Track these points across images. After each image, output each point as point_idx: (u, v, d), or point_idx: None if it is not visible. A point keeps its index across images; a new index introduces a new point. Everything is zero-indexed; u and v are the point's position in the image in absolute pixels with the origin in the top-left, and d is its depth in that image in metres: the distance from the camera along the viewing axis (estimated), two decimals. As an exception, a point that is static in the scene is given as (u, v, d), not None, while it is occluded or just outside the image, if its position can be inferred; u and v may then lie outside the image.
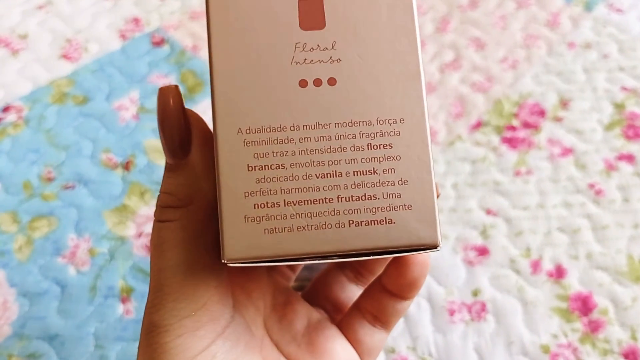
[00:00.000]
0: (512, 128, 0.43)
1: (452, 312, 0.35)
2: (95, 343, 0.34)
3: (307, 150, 0.17)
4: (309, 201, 0.17)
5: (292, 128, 0.17)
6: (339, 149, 0.17)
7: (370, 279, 0.25)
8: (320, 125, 0.17)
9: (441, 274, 0.37)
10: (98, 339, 0.34)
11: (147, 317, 0.18)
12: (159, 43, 0.48)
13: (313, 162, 0.17)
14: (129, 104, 0.44)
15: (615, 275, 0.37)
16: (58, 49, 0.47)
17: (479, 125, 0.44)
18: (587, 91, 0.45)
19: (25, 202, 0.39)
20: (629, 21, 0.50)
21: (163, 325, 0.17)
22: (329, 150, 0.17)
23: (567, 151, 0.42)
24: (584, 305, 0.36)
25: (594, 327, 0.35)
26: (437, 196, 0.24)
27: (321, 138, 0.17)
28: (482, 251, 0.38)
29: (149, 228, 0.38)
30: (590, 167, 0.41)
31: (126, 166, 0.41)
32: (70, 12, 0.50)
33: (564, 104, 0.45)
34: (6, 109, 0.44)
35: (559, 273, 0.37)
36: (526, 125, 0.44)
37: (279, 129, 0.17)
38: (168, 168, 0.18)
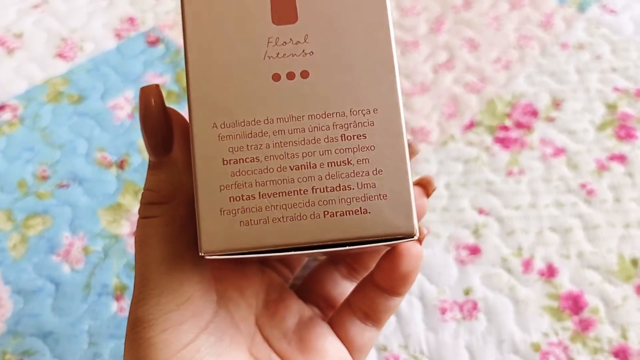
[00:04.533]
0: (505, 128, 0.44)
1: (443, 311, 0.35)
2: (89, 340, 0.34)
3: (281, 142, 0.17)
4: (284, 193, 0.17)
5: (265, 121, 0.17)
6: (313, 141, 0.17)
7: (364, 275, 0.25)
8: (293, 118, 0.17)
9: (433, 273, 0.37)
10: (92, 336, 0.34)
11: (132, 312, 0.18)
12: (154, 42, 0.48)
13: (287, 154, 0.17)
14: (124, 103, 0.44)
15: (606, 275, 0.37)
16: (53, 48, 0.48)
17: (471, 125, 0.44)
18: (580, 92, 0.46)
19: (20, 201, 0.39)
20: (621, 22, 0.50)
21: (147, 319, 0.18)
22: (302, 142, 0.17)
23: (559, 151, 0.42)
24: (575, 304, 0.36)
25: (585, 325, 0.35)
26: (430, 192, 0.24)
27: (295, 130, 0.17)
28: (474, 250, 0.38)
29: (143, 226, 0.38)
30: (582, 167, 0.42)
31: (121, 165, 0.41)
32: (66, 11, 0.50)
33: (557, 104, 0.45)
34: (1, 108, 0.44)
35: (550, 272, 0.37)
36: (519, 125, 0.44)
37: (253, 122, 0.17)
38: (151, 166, 0.19)
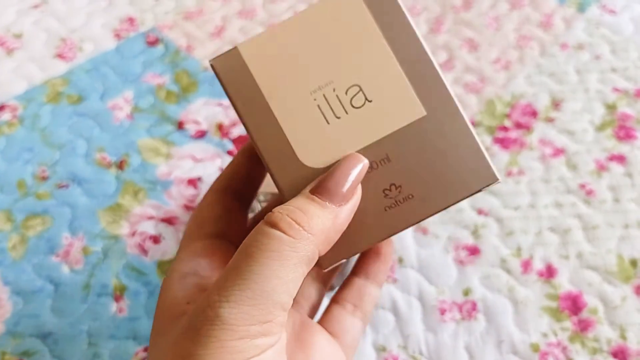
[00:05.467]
0: (505, 128, 0.44)
1: (443, 311, 0.35)
2: (88, 341, 0.34)
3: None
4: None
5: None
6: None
7: (331, 276, 0.27)
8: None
9: (432, 274, 0.37)
10: (91, 337, 0.34)
11: (214, 309, 0.18)
12: (153, 43, 0.48)
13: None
14: (123, 104, 0.44)
15: (605, 275, 0.37)
16: (53, 48, 0.48)
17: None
18: (579, 92, 0.46)
19: (20, 201, 0.39)
20: (621, 22, 0.50)
21: (230, 322, 0.18)
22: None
23: (558, 152, 0.42)
24: (574, 304, 0.36)
25: (584, 326, 0.35)
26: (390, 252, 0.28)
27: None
28: (473, 251, 0.38)
29: (142, 227, 0.38)
30: (582, 168, 0.41)
31: (120, 165, 0.41)
32: (65, 11, 0.50)
33: (556, 104, 0.45)
34: (1, 108, 0.44)
35: (549, 272, 0.37)
36: (518, 125, 0.44)
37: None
38: (317, 200, 0.20)
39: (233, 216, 0.24)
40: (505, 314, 0.35)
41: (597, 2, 0.51)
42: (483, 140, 0.43)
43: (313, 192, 0.20)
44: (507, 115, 0.44)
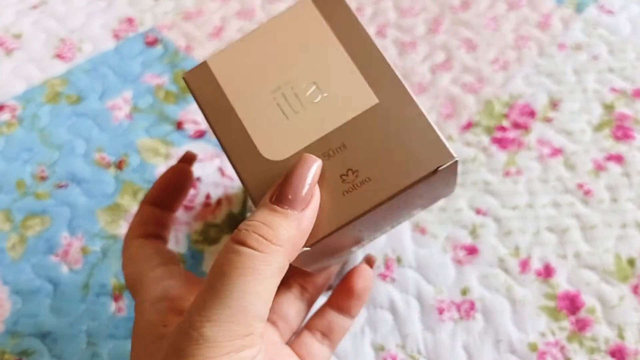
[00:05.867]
0: (503, 128, 0.44)
1: (441, 311, 0.36)
2: (87, 341, 0.34)
3: None
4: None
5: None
6: None
7: (315, 294, 0.28)
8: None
9: (430, 273, 0.37)
10: (90, 336, 0.34)
11: (197, 330, 0.19)
12: (152, 43, 0.48)
13: None
14: (122, 104, 0.44)
15: (602, 275, 0.37)
16: (52, 48, 0.48)
17: (469, 125, 0.44)
18: (577, 92, 0.46)
19: (19, 201, 0.40)
20: (619, 22, 0.50)
21: (215, 340, 0.19)
22: None
23: (556, 151, 0.42)
24: (572, 304, 0.36)
25: (582, 325, 0.35)
26: (372, 265, 0.29)
27: None
28: (472, 250, 0.38)
29: (141, 227, 0.39)
30: (579, 168, 0.42)
31: (119, 165, 0.41)
32: (64, 11, 0.50)
33: (554, 104, 0.45)
34: (0, 108, 0.44)
35: (547, 272, 0.37)
36: (516, 125, 0.44)
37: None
38: (277, 209, 0.21)
39: (165, 252, 0.26)
40: (503, 314, 0.35)
41: (594, 3, 0.52)
42: (481, 140, 0.43)
43: (274, 201, 0.21)
44: (505, 116, 0.44)
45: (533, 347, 0.34)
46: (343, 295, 0.27)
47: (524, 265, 0.37)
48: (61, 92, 0.45)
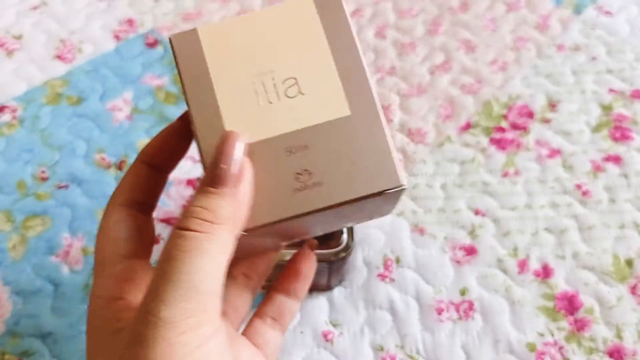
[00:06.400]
0: (501, 129, 0.44)
1: (440, 311, 0.36)
2: (87, 341, 0.34)
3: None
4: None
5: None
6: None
7: (258, 282, 0.28)
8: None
9: (429, 273, 0.37)
10: (90, 337, 0.34)
11: (154, 314, 0.20)
12: (152, 44, 0.48)
13: None
14: (123, 105, 0.45)
15: (601, 275, 0.37)
16: (52, 49, 0.48)
17: (468, 126, 0.44)
18: (576, 93, 0.46)
19: (19, 202, 0.40)
20: (617, 24, 0.50)
21: (171, 321, 0.19)
22: None
23: (554, 152, 0.43)
24: (570, 304, 0.36)
25: (580, 325, 0.35)
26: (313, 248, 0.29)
27: None
28: (470, 251, 0.38)
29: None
30: (578, 168, 0.42)
31: (119, 166, 0.42)
32: (65, 13, 0.50)
33: (553, 105, 0.45)
34: (0, 109, 0.44)
35: (545, 273, 0.37)
36: (515, 126, 0.44)
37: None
38: (210, 191, 0.21)
39: (143, 230, 0.25)
40: (501, 314, 0.36)
41: (593, 4, 0.52)
42: (480, 141, 0.43)
43: (207, 184, 0.21)
44: (504, 117, 0.45)
45: (532, 347, 0.34)
46: (290, 278, 0.28)
47: (523, 265, 0.37)
48: (62, 93, 0.45)
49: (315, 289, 0.36)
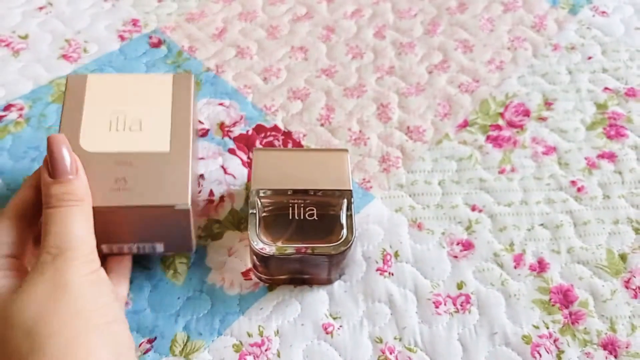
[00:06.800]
0: (498, 127, 0.45)
1: (437, 304, 0.37)
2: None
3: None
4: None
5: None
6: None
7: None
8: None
9: (427, 268, 0.38)
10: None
11: (50, 253, 0.28)
12: (156, 44, 0.49)
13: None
14: (127, 103, 0.45)
15: (595, 269, 0.38)
16: (58, 49, 0.49)
17: (465, 124, 0.45)
18: (571, 92, 0.47)
19: (26, 198, 0.40)
20: (612, 24, 0.51)
21: (62, 254, 0.28)
22: None
23: (550, 150, 0.43)
24: (565, 297, 0.37)
25: (575, 318, 0.36)
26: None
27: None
28: (467, 246, 0.39)
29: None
30: (573, 165, 0.43)
31: (124, 163, 0.42)
32: (70, 13, 0.51)
33: (548, 104, 0.46)
34: (7, 108, 0.45)
35: (541, 267, 0.38)
36: (511, 124, 0.45)
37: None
38: (61, 180, 0.30)
39: (26, 239, 0.31)
40: (498, 307, 0.36)
41: (589, 4, 0.53)
42: (477, 139, 0.44)
43: (57, 176, 0.30)
44: (501, 115, 0.45)
45: (527, 340, 0.35)
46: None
47: (519, 260, 0.38)
48: (67, 92, 0.46)
49: (315, 282, 0.37)
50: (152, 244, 0.34)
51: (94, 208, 0.30)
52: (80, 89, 0.34)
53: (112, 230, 0.33)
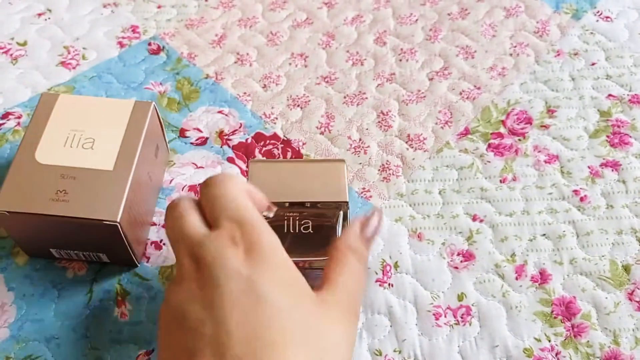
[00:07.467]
0: (500, 135, 0.44)
1: (437, 316, 0.36)
2: (90, 345, 0.35)
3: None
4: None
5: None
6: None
7: None
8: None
9: (427, 279, 0.37)
10: (94, 341, 0.35)
11: None
12: (155, 51, 0.49)
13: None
14: (125, 111, 0.45)
15: (598, 281, 0.37)
16: (56, 56, 0.48)
17: (466, 132, 0.44)
18: (574, 99, 0.46)
19: (24, 207, 0.40)
20: (616, 29, 0.51)
21: None
22: None
23: (553, 158, 0.43)
24: (567, 310, 0.36)
25: (577, 331, 0.36)
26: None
27: None
28: (468, 256, 0.38)
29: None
30: (576, 174, 0.42)
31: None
32: (69, 20, 0.51)
33: (551, 111, 0.46)
34: (5, 116, 0.45)
35: (543, 278, 0.38)
36: (513, 132, 0.44)
37: None
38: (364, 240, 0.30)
39: None
40: (499, 319, 0.36)
41: (592, 9, 0.52)
42: (478, 147, 0.44)
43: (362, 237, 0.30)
44: (502, 122, 0.45)
45: (529, 353, 0.35)
46: None
47: (520, 271, 0.38)
48: (65, 99, 0.46)
49: (314, 294, 0.36)
50: (96, 253, 0.36)
51: (32, 214, 0.33)
52: (49, 107, 0.37)
53: (59, 237, 0.35)
